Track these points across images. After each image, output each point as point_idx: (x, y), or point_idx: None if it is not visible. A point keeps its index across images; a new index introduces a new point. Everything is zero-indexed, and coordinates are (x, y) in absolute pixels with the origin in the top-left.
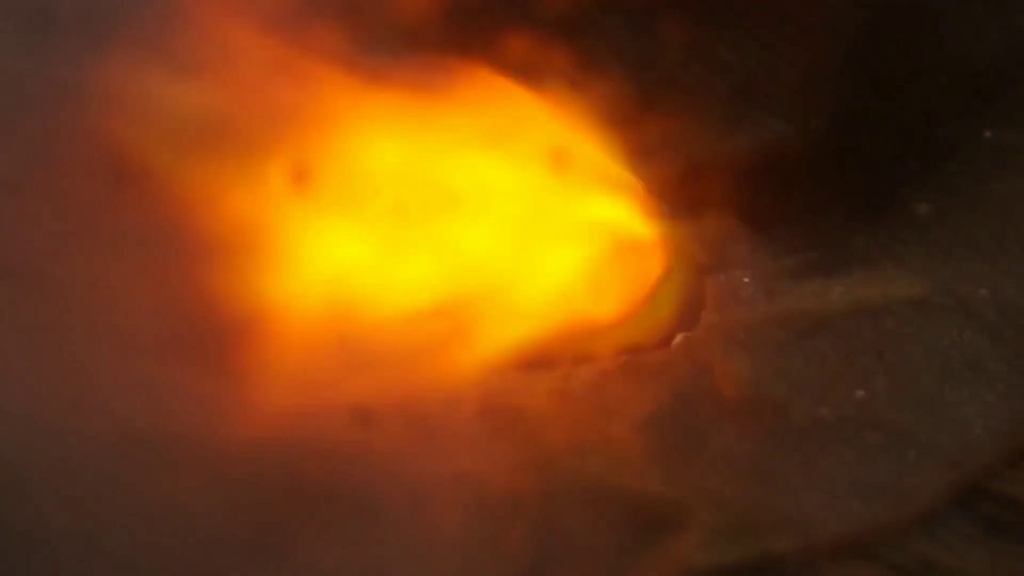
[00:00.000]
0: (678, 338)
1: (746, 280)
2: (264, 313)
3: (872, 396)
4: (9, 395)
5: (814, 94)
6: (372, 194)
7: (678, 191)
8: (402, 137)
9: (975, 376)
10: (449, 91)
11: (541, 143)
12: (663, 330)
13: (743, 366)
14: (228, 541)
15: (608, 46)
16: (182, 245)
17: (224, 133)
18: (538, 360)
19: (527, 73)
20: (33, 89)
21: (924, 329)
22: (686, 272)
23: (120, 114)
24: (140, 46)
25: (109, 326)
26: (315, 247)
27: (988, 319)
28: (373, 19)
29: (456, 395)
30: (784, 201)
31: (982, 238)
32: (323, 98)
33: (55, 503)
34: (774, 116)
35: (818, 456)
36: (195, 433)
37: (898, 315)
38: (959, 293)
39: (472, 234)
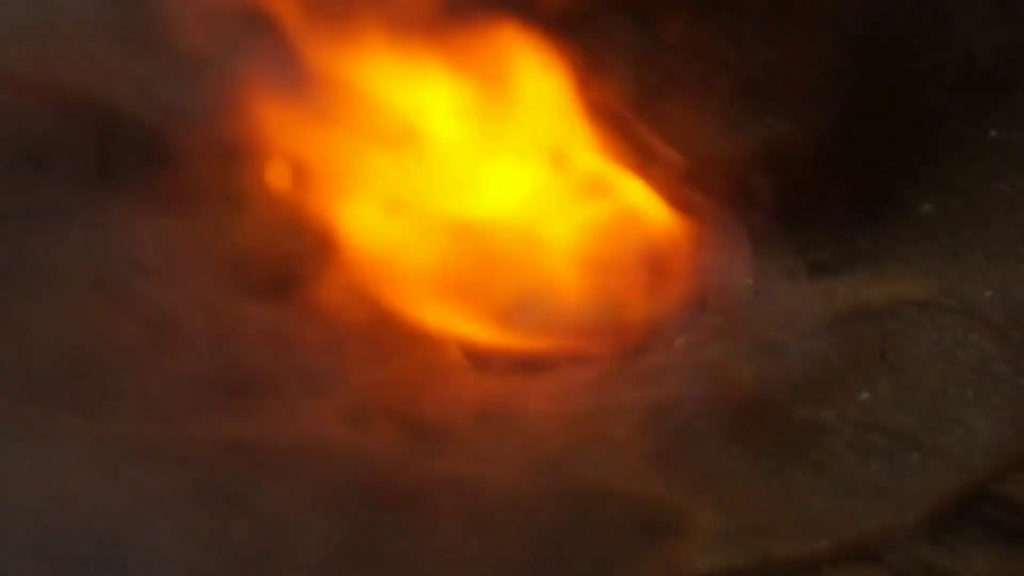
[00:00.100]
0: (679, 340)
1: (749, 281)
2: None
3: (876, 398)
4: None
5: (817, 93)
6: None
7: (679, 191)
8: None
9: (980, 378)
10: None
11: (543, 139)
12: (664, 332)
13: (745, 368)
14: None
15: (609, 44)
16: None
17: None
18: (537, 361)
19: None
20: None
21: (928, 330)
22: (687, 272)
23: None
24: None
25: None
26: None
27: (993, 320)
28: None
29: (454, 397)
30: (787, 201)
31: (987, 238)
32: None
33: None
34: (777, 115)
35: (821, 459)
36: None
37: (902, 316)
38: (964, 294)
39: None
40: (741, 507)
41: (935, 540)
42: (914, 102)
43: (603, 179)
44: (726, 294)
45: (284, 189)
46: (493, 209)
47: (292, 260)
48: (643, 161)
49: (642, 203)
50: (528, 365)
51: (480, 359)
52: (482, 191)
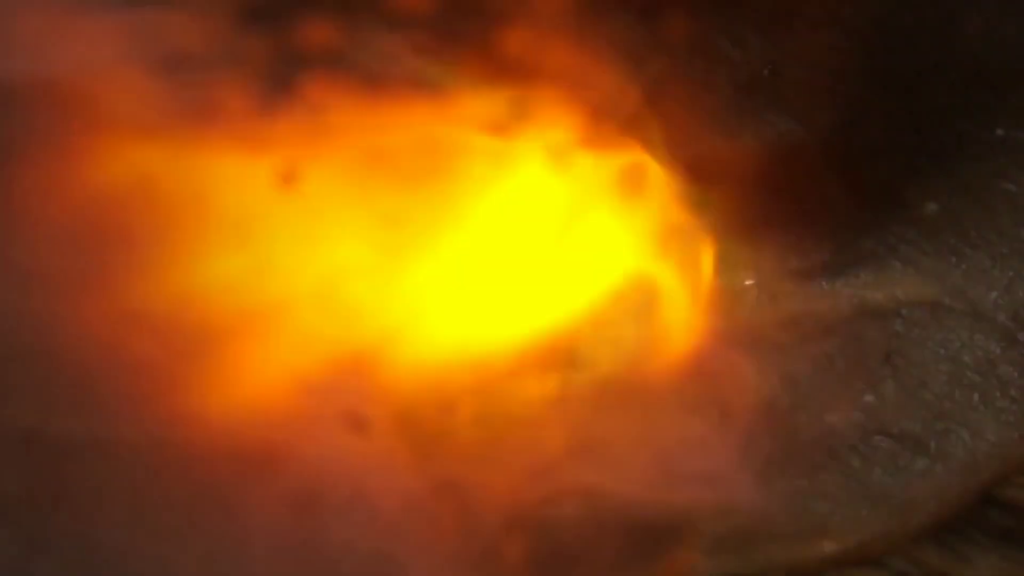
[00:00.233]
0: (681, 343)
1: (750, 283)
2: (253, 316)
3: (880, 402)
4: None
5: (821, 91)
6: (367, 197)
7: (680, 190)
8: (399, 136)
9: (986, 381)
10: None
11: (540, 142)
12: (664, 333)
13: (748, 371)
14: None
15: (608, 41)
16: (170, 243)
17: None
18: (536, 365)
19: (526, 70)
20: None
21: (934, 333)
22: (688, 274)
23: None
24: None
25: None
26: (308, 248)
27: (1000, 322)
28: (366, 15)
29: (452, 401)
30: (789, 201)
31: (993, 239)
32: (315, 96)
33: None
34: (780, 114)
35: (825, 463)
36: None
37: (907, 318)
38: (970, 295)
39: (472, 239)
40: (743, 513)
41: (940, 545)
42: (919, 100)
43: (603, 179)
44: (727, 297)
45: None
46: (487, 213)
47: None
48: (644, 161)
49: (642, 203)
50: (526, 368)
51: (477, 361)
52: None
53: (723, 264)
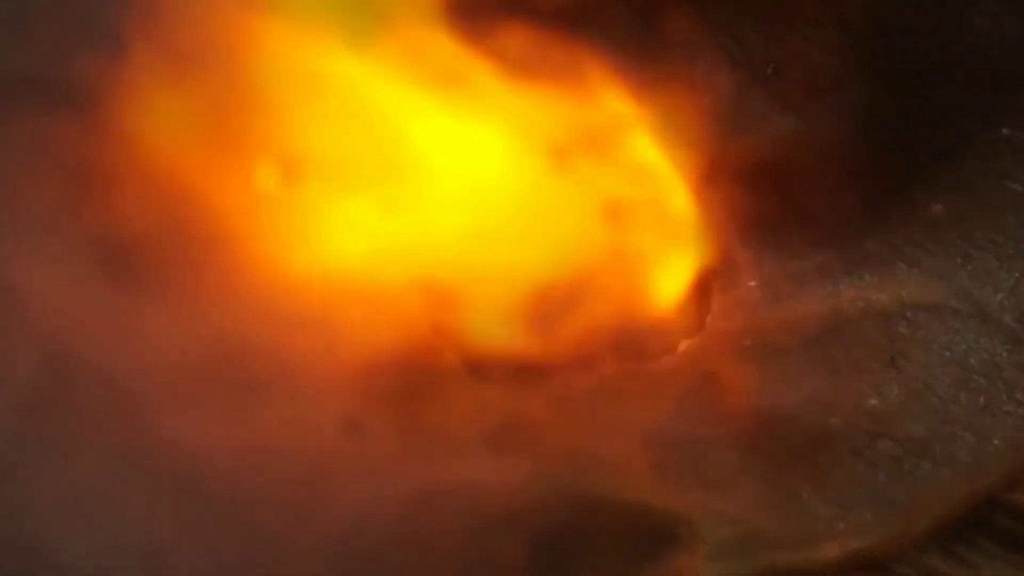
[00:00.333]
0: (682, 345)
1: (752, 284)
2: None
3: (884, 405)
4: None
5: (824, 90)
6: (364, 176)
7: (681, 190)
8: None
9: (992, 384)
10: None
11: (541, 136)
12: (666, 335)
13: (750, 374)
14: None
15: (610, 40)
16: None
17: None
18: (537, 367)
19: (527, 67)
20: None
21: (939, 335)
22: (689, 274)
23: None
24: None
25: None
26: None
27: (1006, 324)
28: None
29: (452, 404)
30: (792, 201)
31: (999, 239)
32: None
33: None
34: (782, 113)
35: (828, 467)
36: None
37: (912, 320)
38: (975, 297)
39: (465, 218)
40: (745, 517)
41: (945, 550)
42: (924, 100)
43: (602, 179)
44: (730, 298)
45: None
46: (492, 208)
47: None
48: (644, 160)
49: (642, 204)
50: (528, 372)
51: (479, 366)
52: (480, 191)
53: (725, 265)
